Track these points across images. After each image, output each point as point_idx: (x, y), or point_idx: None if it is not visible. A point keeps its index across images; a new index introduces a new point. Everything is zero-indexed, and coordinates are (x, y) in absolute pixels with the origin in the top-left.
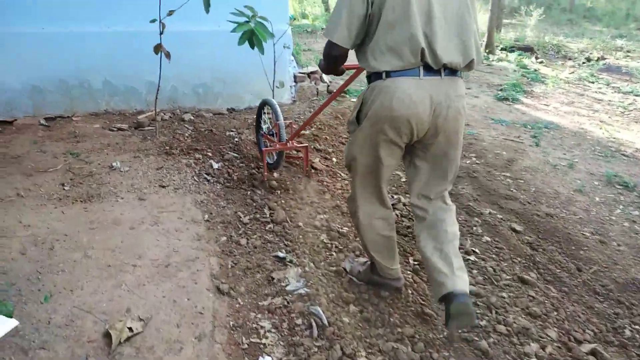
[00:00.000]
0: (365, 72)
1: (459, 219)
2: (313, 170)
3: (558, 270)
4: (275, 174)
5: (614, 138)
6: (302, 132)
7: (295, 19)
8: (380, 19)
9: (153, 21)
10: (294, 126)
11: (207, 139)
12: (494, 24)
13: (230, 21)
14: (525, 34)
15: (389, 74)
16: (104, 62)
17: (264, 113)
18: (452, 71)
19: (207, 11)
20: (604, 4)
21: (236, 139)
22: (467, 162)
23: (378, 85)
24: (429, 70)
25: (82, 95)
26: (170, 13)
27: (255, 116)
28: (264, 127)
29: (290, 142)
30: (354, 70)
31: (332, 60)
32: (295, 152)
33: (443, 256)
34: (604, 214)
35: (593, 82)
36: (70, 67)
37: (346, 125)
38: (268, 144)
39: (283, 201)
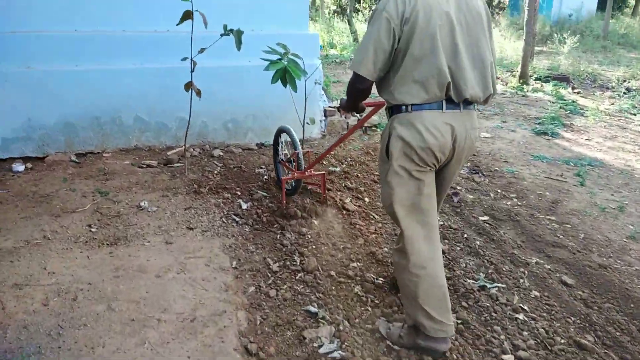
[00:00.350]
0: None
1: (504, 268)
2: (345, 211)
3: (618, 334)
4: (294, 203)
5: None
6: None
7: (323, 49)
8: (407, 53)
9: (185, 59)
10: (310, 155)
11: (236, 176)
12: (528, 54)
13: (263, 59)
14: (559, 62)
15: (413, 106)
16: (137, 98)
17: (281, 141)
18: (469, 104)
19: (239, 49)
20: (638, 30)
21: (265, 177)
22: (508, 203)
23: (404, 117)
24: (450, 103)
25: (114, 131)
26: (202, 51)
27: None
28: (282, 154)
29: (308, 170)
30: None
31: (358, 93)
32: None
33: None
34: None
35: (635, 114)
36: (103, 104)
37: (378, 165)
38: (286, 172)
39: (314, 246)
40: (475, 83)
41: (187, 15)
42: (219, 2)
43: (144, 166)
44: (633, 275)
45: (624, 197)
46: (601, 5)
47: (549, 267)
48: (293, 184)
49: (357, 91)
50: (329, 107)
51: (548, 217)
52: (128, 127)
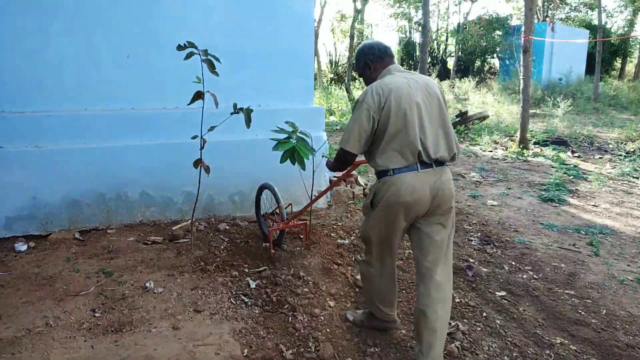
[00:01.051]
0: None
1: (529, 351)
2: (357, 288)
3: None
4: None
5: None
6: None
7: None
8: (386, 131)
9: (194, 137)
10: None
11: (243, 251)
12: (526, 120)
13: (272, 139)
14: (555, 125)
15: (394, 170)
16: (143, 174)
17: (263, 198)
18: (440, 163)
19: (248, 126)
20: (627, 92)
21: (272, 251)
22: (524, 276)
23: (388, 180)
24: (424, 164)
25: (119, 207)
26: (212, 129)
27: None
28: (263, 208)
29: (291, 221)
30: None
31: (344, 163)
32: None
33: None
34: None
35: (638, 178)
36: (109, 180)
37: (362, 209)
38: (270, 224)
39: (328, 329)
40: (440, 146)
41: (199, 96)
42: (227, 80)
43: (149, 242)
44: None
45: None
46: (589, 69)
47: (574, 347)
48: (278, 234)
49: (344, 161)
50: (334, 177)
51: (567, 291)
52: (133, 203)
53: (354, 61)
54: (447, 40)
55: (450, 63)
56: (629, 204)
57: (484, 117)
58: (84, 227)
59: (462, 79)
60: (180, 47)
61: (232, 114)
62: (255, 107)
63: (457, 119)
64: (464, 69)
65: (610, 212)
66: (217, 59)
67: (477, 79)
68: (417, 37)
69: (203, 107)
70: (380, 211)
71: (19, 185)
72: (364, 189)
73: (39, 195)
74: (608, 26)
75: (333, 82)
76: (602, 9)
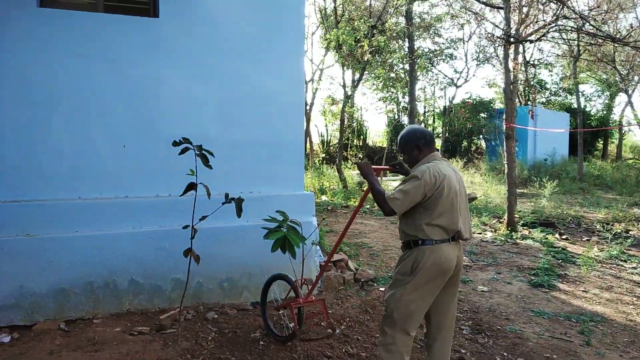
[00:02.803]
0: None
1: None
2: None
3: None
4: None
5: None
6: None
7: (315, 196)
8: (435, 210)
9: (186, 227)
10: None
11: (231, 343)
12: (513, 203)
13: (263, 227)
14: (542, 205)
15: (436, 241)
16: (133, 261)
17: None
18: (458, 239)
19: (239, 216)
20: (610, 172)
21: (262, 343)
22: None
23: (429, 248)
24: (453, 239)
25: (107, 295)
26: (203, 218)
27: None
28: (274, 299)
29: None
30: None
31: (382, 208)
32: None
33: None
34: None
35: (626, 261)
36: (98, 268)
37: (397, 274)
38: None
39: None
40: (465, 229)
41: (191, 187)
42: (220, 168)
43: (136, 333)
44: None
45: (633, 357)
46: (572, 150)
47: None
48: (297, 311)
49: (383, 207)
50: (323, 262)
51: None
52: (122, 291)
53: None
54: (434, 122)
55: (439, 143)
56: (619, 289)
57: (473, 199)
58: (70, 316)
59: (450, 160)
60: (175, 143)
61: (223, 203)
62: (247, 194)
63: None
64: (451, 150)
65: (600, 297)
66: (211, 153)
67: (464, 160)
68: (405, 119)
69: (195, 197)
70: (422, 277)
71: (6, 273)
72: (354, 274)
73: (26, 284)
74: (587, 109)
75: (325, 161)
76: (579, 93)
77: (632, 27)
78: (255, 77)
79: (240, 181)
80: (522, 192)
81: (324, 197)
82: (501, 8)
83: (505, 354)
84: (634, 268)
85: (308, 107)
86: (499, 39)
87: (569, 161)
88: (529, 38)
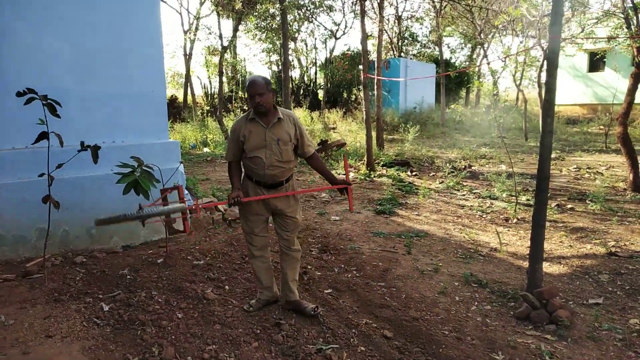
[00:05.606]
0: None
1: (339, 331)
2: (205, 301)
3: None
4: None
5: (473, 240)
6: None
7: (196, 148)
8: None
9: (41, 175)
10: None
11: (99, 280)
12: (370, 146)
13: (116, 173)
14: (404, 148)
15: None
16: None
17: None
18: None
19: (96, 162)
20: (470, 118)
21: (129, 277)
22: (349, 275)
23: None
24: None
25: None
26: (59, 166)
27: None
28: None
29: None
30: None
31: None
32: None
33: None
34: (462, 312)
35: (458, 190)
36: None
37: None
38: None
39: (173, 337)
40: None
41: (43, 136)
42: (80, 120)
43: (1, 281)
44: (438, 322)
45: (440, 260)
46: (439, 98)
47: (375, 325)
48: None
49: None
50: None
51: (379, 283)
52: None
53: (230, 94)
54: (316, 73)
55: (321, 94)
56: (446, 212)
57: (342, 145)
58: None
59: (331, 110)
60: (19, 94)
61: (79, 151)
62: (110, 144)
63: (318, 147)
64: (333, 100)
65: (429, 219)
66: (58, 103)
67: (344, 110)
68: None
69: (49, 146)
70: None
71: None
72: (222, 214)
73: None
74: (453, 60)
75: (209, 113)
76: (445, 46)
77: None
78: (111, 28)
79: (102, 132)
80: (392, 138)
81: (205, 149)
82: None
83: (342, 265)
84: (463, 195)
85: (187, 58)
86: None
87: (435, 109)
88: None
